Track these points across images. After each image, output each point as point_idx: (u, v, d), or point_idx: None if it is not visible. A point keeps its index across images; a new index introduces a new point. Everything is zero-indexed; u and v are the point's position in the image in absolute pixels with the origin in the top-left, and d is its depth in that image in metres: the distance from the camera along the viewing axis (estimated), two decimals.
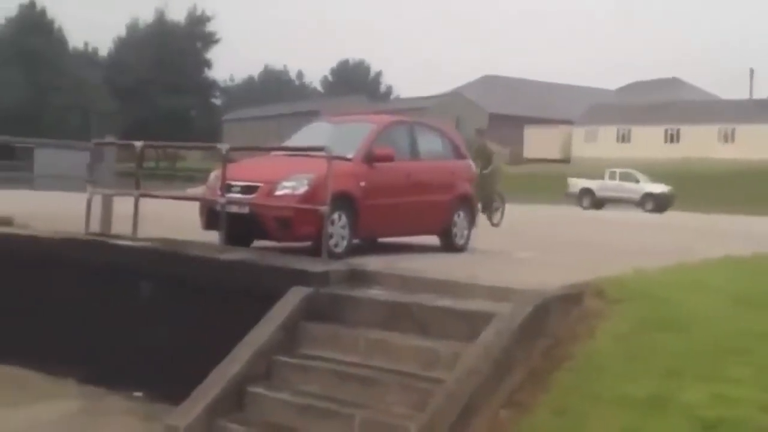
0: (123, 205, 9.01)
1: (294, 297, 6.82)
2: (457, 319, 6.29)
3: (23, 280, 8.83)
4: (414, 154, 9.66)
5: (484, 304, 6.46)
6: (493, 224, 15.23)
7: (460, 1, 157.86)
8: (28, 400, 7.65)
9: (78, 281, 8.41)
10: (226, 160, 8.08)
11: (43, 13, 63.28)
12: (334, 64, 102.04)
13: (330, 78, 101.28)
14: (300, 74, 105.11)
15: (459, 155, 10.46)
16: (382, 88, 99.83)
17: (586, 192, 36.21)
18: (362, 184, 8.57)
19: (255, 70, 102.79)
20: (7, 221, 9.89)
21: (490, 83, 69.29)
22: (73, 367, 8.13)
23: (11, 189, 19.13)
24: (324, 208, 7.51)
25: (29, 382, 8.12)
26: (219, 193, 8.12)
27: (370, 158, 8.77)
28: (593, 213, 29.95)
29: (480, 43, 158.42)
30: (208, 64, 69.64)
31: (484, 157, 15.63)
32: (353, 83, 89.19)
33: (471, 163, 10.72)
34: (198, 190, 16.06)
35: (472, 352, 5.65)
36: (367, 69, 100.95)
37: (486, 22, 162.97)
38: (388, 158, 8.87)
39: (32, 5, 62.97)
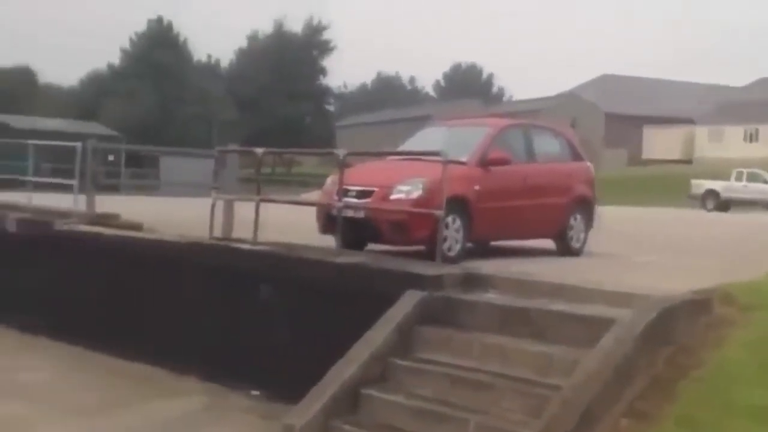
0: (241, 210, 9.30)
1: (409, 300, 6.83)
2: (574, 324, 6.13)
3: (151, 282, 9.25)
4: (530, 156, 9.54)
5: (603, 309, 6.27)
6: None
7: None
8: (154, 396, 7.99)
9: (202, 283, 8.74)
10: (343, 165, 8.20)
11: (170, 27, 66.09)
12: (446, 68, 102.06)
13: (442, 82, 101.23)
14: (412, 80, 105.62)
15: (576, 157, 10.25)
16: (495, 90, 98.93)
17: (711, 193, 34.64)
18: (477, 187, 8.53)
19: (368, 77, 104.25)
20: (136, 226, 10.39)
21: (606, 82, 67.34)
22: (195, 365, 8.45)
23: (139, 195, 20.07)
24: (439, 212, 7.50)
25: (155, 379, 8.49)
26: (335, 197, 8.25)
27: (485, 162, 8.72)
28: (718, 215, 28.68)
29: (595, 41, 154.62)
30: (323, 71, 70.91)
31: None
32: (466, 87, 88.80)
33: (589, 164, 10.47)
34: (313, 195, 16.37)
35: (592, 358, 5.49)
36: (480, 72, 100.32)
37: (604, 21, 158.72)
38: (504, 161, 8.80)
39: (160, 20, 65.91)
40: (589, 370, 5.39)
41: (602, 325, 5.81)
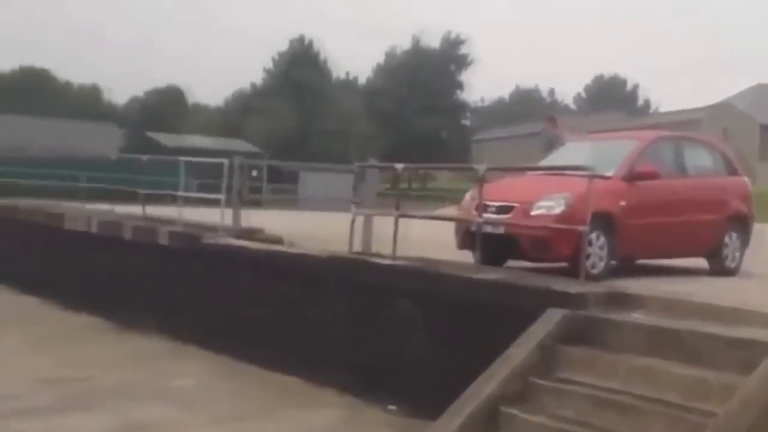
0: (378, 225, 9.38)
1: (550, 318, 6.66)
2: (729, 348, 5.76)
3: (291, 295, 9.47)
4: (681, 170, 9.14)
5: (762, 332, 5.88)
6: None
7: (733, 8, 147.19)
8: (295, 406, 8.14)
9: (340, 297, 8.86)
10: (483, 180, 8.12)
11: (310, 46, 68.06)
12: (587, 80, 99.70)
13: (583, 94, 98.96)
14: (551, 92, 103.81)
15: (731, 171, 9.72)
16: (640, 102, 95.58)
17: None
18: (622, 203, 8.23)
19: (506, 90, 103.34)
20: (277, 240, 10.68)
21: (763, 92, 63.57)
22: (334, 377, 8.57)
23: (279, 210, 20.67)
24: (583, 229, 7.28)
25: (295, 390, 8.67)
26: (475, 213, 8.18)
27: (632, 176, 8.42)
28: None
29: (750, 47, 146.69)
30: (460, 86, 70.84)
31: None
32: (608, 99, 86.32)
33: (746, 179, 9.90)
34: (448, 211, 16.32)
35: (750, 383, 5.14)
36: (623, 83, 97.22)
37: (760, 24, 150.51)
38: (652, 176, 8.47)
39: (301, 40, 67.96)
40: (748, 396, 5.04)
41: (762, 349, 5.44)
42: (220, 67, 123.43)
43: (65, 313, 12.72)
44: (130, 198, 15.36)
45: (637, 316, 6.65)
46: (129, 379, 9.00)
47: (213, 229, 11.15)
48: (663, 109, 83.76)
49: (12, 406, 7.85)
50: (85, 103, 65.99)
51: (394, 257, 8.57)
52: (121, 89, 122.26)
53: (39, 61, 75.59)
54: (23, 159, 21.15)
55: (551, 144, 11.16)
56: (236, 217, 11.21)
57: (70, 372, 8.97)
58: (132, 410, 7.83)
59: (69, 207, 15.55)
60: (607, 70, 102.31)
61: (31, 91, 63.87)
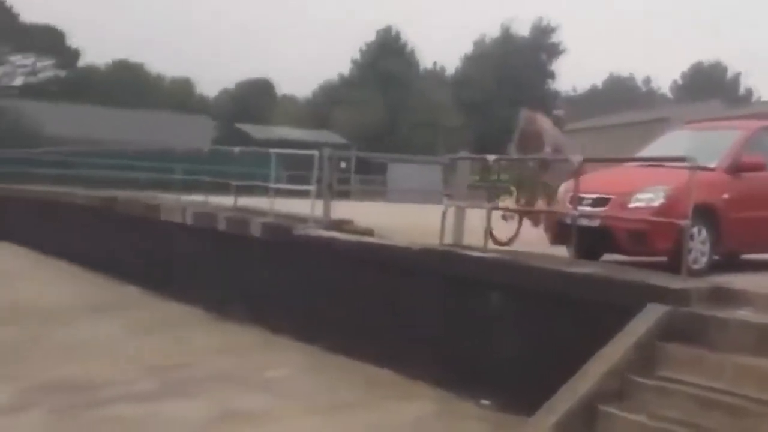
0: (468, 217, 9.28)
1: (650, 315, 6.45)
2: None
3: (382, 286, 9.48)
4: None
5: None
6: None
7: None
8: (387, 399, 8.13)
9: (431, 289, 8.82)
10: (578, 172, 7.93)
11: (397, 36, 68.19)
12: (685, 67, 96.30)
13: (680, 82, 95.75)
14: (647, 80, 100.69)
15: None
16: (741, 90, 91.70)
17: None
18: (725, 195, 7.92)
19: (599, 79, 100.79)
20: (367, 231, 10.70)
21: None
22: (425, 370, 8.53)
23: (367, 201, 20.76)
24: (684, 222, 7.02)
25: (387, 382, 8.66)
26: (569, 205, 8.00)
27: (737, 167, 8.08)
28: None
29: None
30: (551, 75, 69.73)
31: (529, 142, 10.65)
32: (707, 87, 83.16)
33: None
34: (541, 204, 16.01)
35: None
36: (724, 70, 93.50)
37: None
38: (758, 167, 8.10)
39: (388, 30, 68.16)
40: None
41: None
42: (308, 59, 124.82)
43: (163, 302, 13.12)
44: (222, 189, 15.70)
45: (744, 314, 6.38)
46: (225, 367, 9.20)
47: (304, 220, 11.25)
48: (767, 98, 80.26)
49: (118, 391, 8.16)
50: (177, 96, 67.80)
51: (485, 250, 8.48)
52: (212, 82, 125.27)
53: (133, 56, 78.21)
54: (120, 152, 21.87)
55: (524, 140, 10.90)
56: (326, 209, 11.29)
57: (169, 359, 9.24)
58: (228, 398, 8.01)
59: (165, 198, 16.00)
60: (707, 57, 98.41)
61: (126, 85, 66.01)
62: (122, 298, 13.26)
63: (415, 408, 7.84)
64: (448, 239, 9.20)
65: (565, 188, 8.65)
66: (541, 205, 9.68)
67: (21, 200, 22.25)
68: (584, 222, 7.91)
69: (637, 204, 7.83)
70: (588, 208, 8.03)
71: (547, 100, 69.56)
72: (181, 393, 8.15)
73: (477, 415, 7.64)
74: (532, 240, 9.28)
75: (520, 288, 7.72)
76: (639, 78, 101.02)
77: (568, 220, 7.92)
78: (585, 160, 8.13)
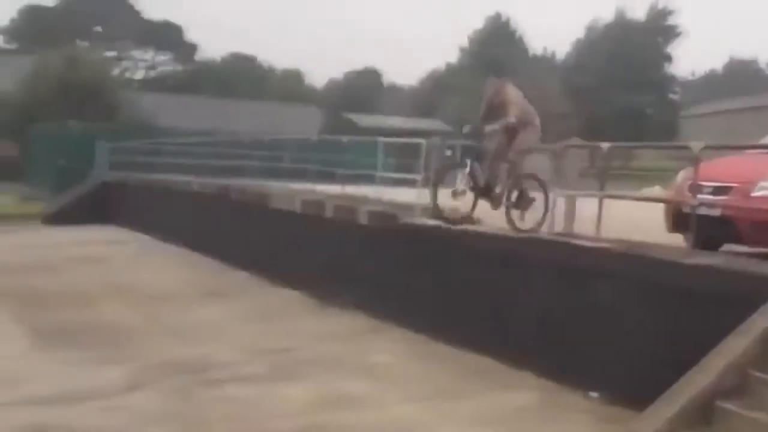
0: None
1: None
2: None
3: (485, 276, 9.33)
4: None
5: None
6: (517, 228, 9.32)
7: None
8: (490, 388, 8.02)
9: (540, 278, 8.62)
10: (698, 159, 7.56)
11: (507, 23, 67.27)
12: None
13: None
14: None
15: None
16: None
17: None
18: None
19: (718, 63, 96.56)
20: (473, 219, 10.56)
21: None
22: (531, 360, 8.36)
23: None
24: None
25: (491, 371, 8.53)
26: (689, 194, 7.65)
27: None
28: None
29: None
30: (668, 59, 67.14)
31: (493, 113, 9.48)
32: None
33: None
34: (654, 191, 15.46)
35: None
36: None
37: None
38: None
39: (497, 17, 67.35)
40: None
41: None
42: (415, 47, 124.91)
43: (271, 288, 13.38)
44: (329, 177, 15.88)
45: None
46: (329, 352, 9.29)
47: (410, 208, 11.22)
48: None
49: (229, 372, 8.37)
50: (287, 87, 69.14)
51: (597, 239, 8.21)
52: (320, 73, 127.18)
53: (246, 49, 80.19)
54: (233, 141, 22.44)
55: (489, 110, 9.44)
56: (433, 197, 11.21)
57: (277, 343, 9.41)
58: (333, 383, 8.08)
59: (275, 186, 16.32)
60: None
61: (239, 77, 67.85)
62: (232, 283, 13.61)
63: (518, 398, 7.70)
64: (558, 228, 8.97)
65: (683, 175, 8.29)
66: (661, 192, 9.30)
67: (140, 188, 23.21)
68: (704, 211, 7.56)
69: (762, 192, 7.42)
70: (708, 197, 7.66)
71: (663, 85, 67.15)
72: (288, 376, 8.28)
73: (583, 407, 7.42)
74: (645, 228, 8.93)
75: (634, 278, 7.44)
76: (762, 61, 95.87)
77: (687, 209, 7.58)
78: (706, 147, 7.74)
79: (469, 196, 9.35)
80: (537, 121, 9.44)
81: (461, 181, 9.12)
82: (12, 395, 7.36)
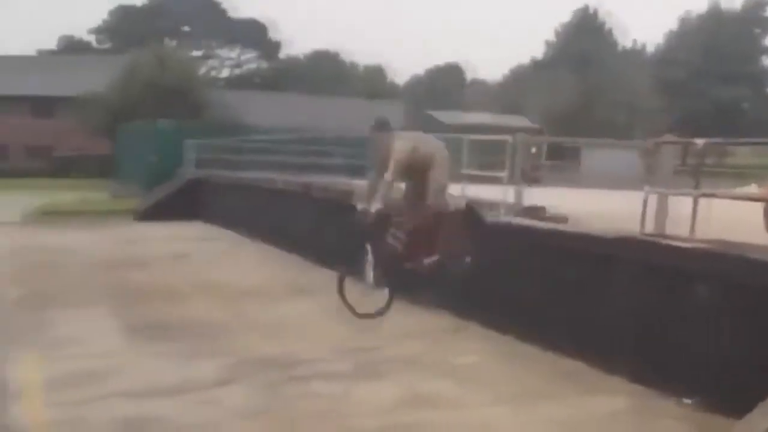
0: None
1: None
2: None
3: (577, 276, 9.13)
4: None
5: None
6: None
7: None
8: (578, 392, 7.87)
9: (630, 279, 8.39)
10: None
11: (595, 15, 65.87)
12: None
13: None
14: None
15: None
16: None
17: None
18: None
19: None
20: (561, 218, 10.38)
21: None
22: (623, 364, 8.14)
23: (560, 187, 20.20)
24: None
25: (579, 375, 8.37)
26: None
27: None
28: None
29: None
30: (765, 51, 64.51)
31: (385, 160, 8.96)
32: None
33: None
34: (751, 189, 14.84)
35: None
36: None
37: None
38: None
39: (585, 9, 65.99)
40: None
41: None
42: (499, 43, 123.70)
43: (355, 287, 13.39)
44: None
45: None
46: (413, 352, 9.26)
47: (495, 206, 11.09)
48: None
49: (315, 369, 8.45)
50: (370, 83, 69.53)
51: (692, 239, 7.93)
52: (403, 69, 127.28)
53: (329, 46, 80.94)
54: (317, 139, 22.68)
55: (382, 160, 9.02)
56: (518, 195, 11.06)
57: (361, 341, 9.43)
58: (417, 382, 8.04)
59: (357, 184, 16.37)
60: None
61: (323, 74, 68.59)
62: (316, 281, 13.71)
63: (608, 403, 7.52)
64: (650, 228, 8.71)
65: None
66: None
67: (225, 185, 23.69)
68: None
69: None
70: None
71: (760, 78, 64.56)
72: (372, 375, 8.30)
73: (677, 414, 7.20)
74: (742, 228, 8.56)
75: (731, 281, 7.17)
76: None
77: None
78: None
79: None
80: (440, 155, 8.94)
81: None
82: (110, 388, 7.60)
